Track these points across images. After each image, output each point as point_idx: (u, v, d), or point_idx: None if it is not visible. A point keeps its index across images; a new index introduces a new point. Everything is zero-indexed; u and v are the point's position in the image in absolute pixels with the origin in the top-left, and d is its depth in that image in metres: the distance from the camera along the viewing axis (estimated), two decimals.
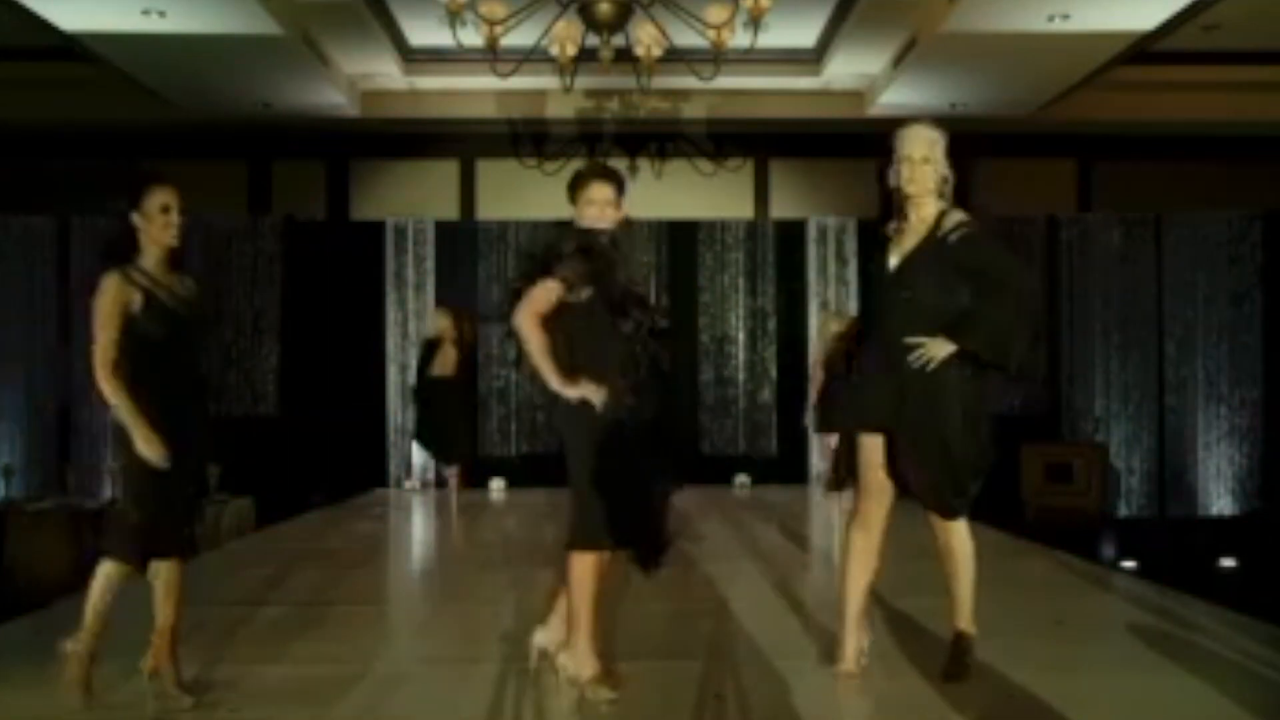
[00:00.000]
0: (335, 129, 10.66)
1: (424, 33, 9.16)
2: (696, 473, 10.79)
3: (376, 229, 11.14)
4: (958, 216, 3.86)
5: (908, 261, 3.86)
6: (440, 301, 10.70)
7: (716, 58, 7.27)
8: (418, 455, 10.78)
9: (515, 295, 3.76)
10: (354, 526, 8.61)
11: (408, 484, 10.65)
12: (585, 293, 3.67)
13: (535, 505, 9.11)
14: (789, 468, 11.00)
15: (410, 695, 3.98)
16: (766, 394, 11.27)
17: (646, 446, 3.70)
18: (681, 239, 11.25)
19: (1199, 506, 11.02)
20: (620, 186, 3.88)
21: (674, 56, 7.46)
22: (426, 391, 9.82)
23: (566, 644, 3.79)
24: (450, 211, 11.31)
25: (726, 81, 8.70)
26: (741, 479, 10.81)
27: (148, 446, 3.45)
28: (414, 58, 9.85)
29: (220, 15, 7.71)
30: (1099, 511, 10.34)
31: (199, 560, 7.41)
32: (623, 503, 3.65)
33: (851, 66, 9.80)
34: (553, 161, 10.96)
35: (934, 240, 3.83)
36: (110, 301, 3.48)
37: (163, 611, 3.65)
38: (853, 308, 10.95)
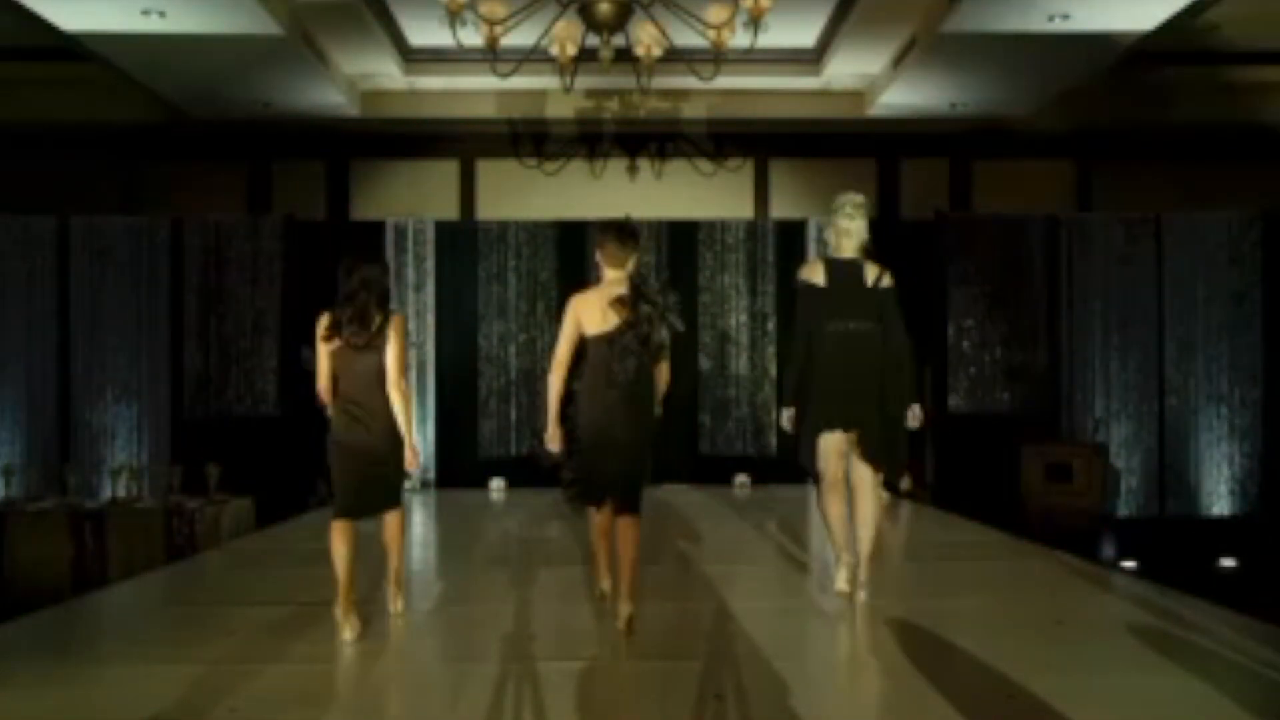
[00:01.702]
0: (335, 129, 10.66)
1: (424, 33, 9.16)
2: (697, 473, 10.85)
3: (376, 229, 11.12)
4: None
5: None
6: None
7: (716, 58, 7.27)
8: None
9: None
10: None
11: (407, 484, 10.64)
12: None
13: (535, 505, 9.12)
14: (789, 468, 10.94)
15: (410, 695, 3.98)
16: (766, 394, 11.27)
17: (627, 440, 4.75)
18: (681, 239, 11.23)
19: (1199, 506, 11.01)
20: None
21: (674, 56, 7.46)
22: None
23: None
24: (450, 211, 11.30)
25: (726, 81, 8.73)
26: (741, 479, 10.81)
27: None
28: (414, 58, 9.85)
29: (220, 15, 7.71)
30: (1099, 511, 10.33)
31: (199, 560, 7.49)
32: (601, 474, 4.83)
33: (851, 66, 9.80)
34: (553, 161, 10.98)
35: None
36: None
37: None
38: None
